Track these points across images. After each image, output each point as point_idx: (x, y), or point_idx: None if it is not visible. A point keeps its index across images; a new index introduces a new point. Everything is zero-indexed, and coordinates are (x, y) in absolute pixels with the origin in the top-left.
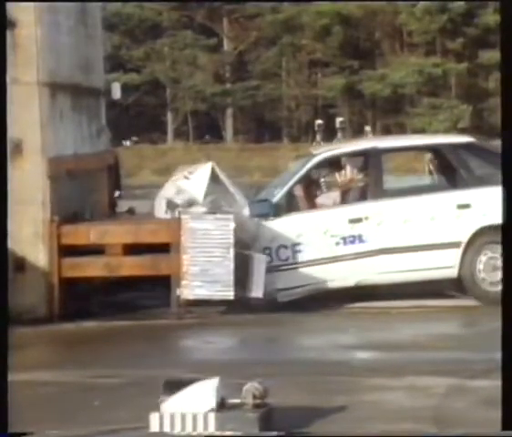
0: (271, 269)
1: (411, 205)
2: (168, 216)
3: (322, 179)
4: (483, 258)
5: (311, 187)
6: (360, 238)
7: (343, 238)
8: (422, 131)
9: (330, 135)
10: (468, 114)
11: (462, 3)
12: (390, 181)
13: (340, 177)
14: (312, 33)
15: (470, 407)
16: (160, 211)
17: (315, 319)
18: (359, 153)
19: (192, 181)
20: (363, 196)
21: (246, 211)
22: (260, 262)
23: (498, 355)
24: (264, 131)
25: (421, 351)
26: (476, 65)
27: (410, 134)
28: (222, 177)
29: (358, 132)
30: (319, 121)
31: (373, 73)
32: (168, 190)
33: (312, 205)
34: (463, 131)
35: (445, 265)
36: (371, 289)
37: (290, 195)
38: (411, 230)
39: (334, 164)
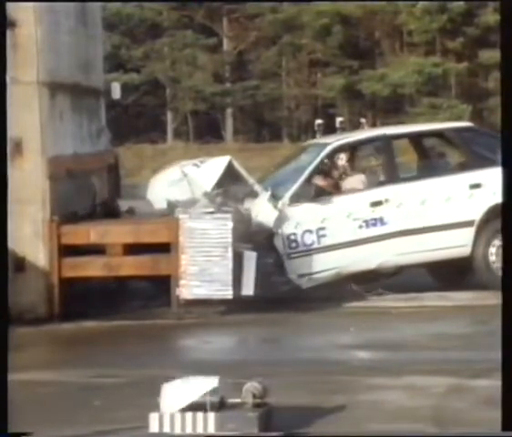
0: (296, 255)
1: (427, 187)
2: (162, 204)
3: (346, 163)
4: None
5: (328, 174)
6: (381, 221)
7: (366, 221)
8: None
9: (330, 134)
10: (468, 113)
11: (462, 3)
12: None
13: (354, 164)
14: (311, 32)
15: (470, 407)
16: (155, 196)
17: (315, 318)
18: (370, 140)
19: (202, 169)
20: (380, 180)
21: (265, 201)
22: (249, 260)
23: (498, 355)
24: (264, 131)
25: (421, 351)
26: (475, 64)
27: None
28: (240, 170)
29: None
30: (319, 121)
31: (372, 73)
32: (171, 174)
33: (333, 190)
34: None
35: (460, 243)
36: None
37: (308, 183)
38: (428, 211)
39: (347, 151)
